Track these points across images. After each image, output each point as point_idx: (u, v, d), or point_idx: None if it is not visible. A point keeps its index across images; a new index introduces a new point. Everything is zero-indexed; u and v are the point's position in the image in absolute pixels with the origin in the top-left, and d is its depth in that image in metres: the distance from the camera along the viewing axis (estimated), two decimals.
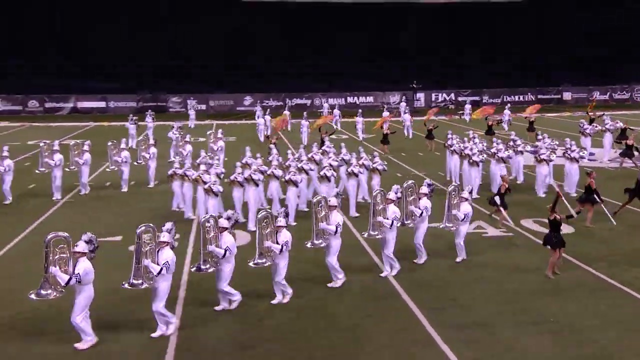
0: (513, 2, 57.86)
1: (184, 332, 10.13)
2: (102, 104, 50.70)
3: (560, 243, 12.44)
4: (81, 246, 9.32)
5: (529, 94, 55.90)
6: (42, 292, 9.33)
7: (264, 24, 54.96)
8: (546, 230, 15.67)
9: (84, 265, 9.18)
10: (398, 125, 36.60)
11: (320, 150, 20.47)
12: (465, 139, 21.87)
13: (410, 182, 13.78)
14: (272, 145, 21.65)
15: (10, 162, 19.38)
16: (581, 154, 19.72)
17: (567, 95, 56.29)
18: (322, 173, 17.60)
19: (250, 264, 10.92)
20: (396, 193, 12.79)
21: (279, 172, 17.05)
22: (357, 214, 17.41)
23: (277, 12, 55.27)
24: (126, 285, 9.74)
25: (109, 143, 21.89)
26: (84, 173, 20.57)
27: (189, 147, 22.11)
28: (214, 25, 54.36)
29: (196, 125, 40.43)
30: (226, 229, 10.71)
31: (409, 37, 57.05)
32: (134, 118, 33.99)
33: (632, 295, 11.67)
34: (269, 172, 17.03)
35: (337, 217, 11.96)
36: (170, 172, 17.60)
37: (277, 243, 10.86)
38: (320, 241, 11.87)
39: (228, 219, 10.88)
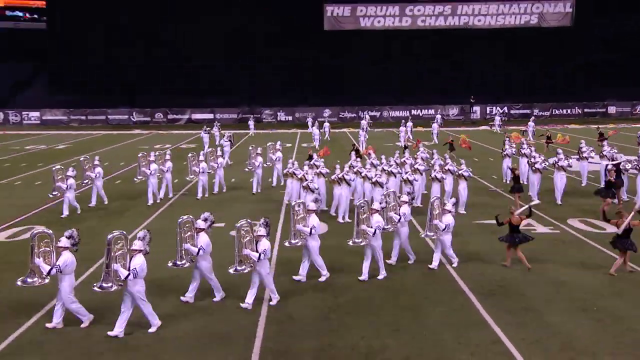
0: (562, 27, 54.90)
1: (272, 306, 10.22)
2: (210, 116, 52.24)
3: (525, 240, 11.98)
4: (63, 241, 9.11)
5: (576, 107, 52.92)
6: (28, 280, 9.28)
7: (346, 50, 54.88)
8: (592, 230, 14.98)
9: (65, 258, 9.02)
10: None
11: (415, 155, 19.50)
12: (532, 148, 20.81)
13: (390, 190, 13.13)
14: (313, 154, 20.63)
15: (101, 170, 18.59)
16: None
17: (611, 109, 52.95)
18: (405, 177, 16.65)
19: (230, 270, 10.03)
20: (380, 203, 12.00)
21: (371, 174, 16.69)
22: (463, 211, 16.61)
23: (352, 38, 55.07)
24: (96, 288, 9.12)
25: (190, 155, 20.62)
26: (167, 180, 19.45)
27: (259, 159, 20.45)
28: (299, 52, 54.61)
29: (255, 134, 40.44)
30: (203, 229, 10.18)
31: (463, 57, 55.22)
32: (207, 128, 33.26)
33: None
34: (363, 174, 16.83)
35: (313, 220, 11.11)
36: (286, 171, 17.99)
37: (257, 251, 9.83)
38: (297, 241, 11.19)
39: (205, 220, 10.32)
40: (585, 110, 52.55)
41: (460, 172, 16.98)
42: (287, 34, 53.77)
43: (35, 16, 67.37)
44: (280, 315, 9.83)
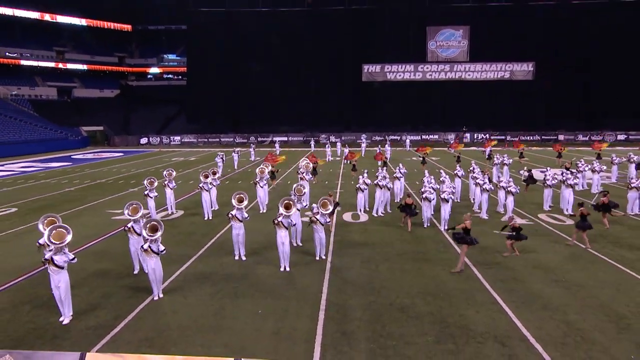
0: (526, 80, 52.07)
1: (333, 273, 9.86)
2: (285, 138, 52.50)
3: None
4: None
5: (536, 135, 50.07)
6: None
7: (377, 94, 53.90)
8: (556, 222, 13.78)
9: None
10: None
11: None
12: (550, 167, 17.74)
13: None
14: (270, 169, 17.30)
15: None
16: None
17: (561, 137, 50.17)
18: (442, 195, 13.16)
19: None
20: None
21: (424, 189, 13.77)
22: (486, 216, 14.25)
23: (381, 87, 53.84)
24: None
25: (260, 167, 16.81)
26: (212, 192, 15.32)
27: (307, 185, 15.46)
28: (345, 97, 53.99)
29: (257, 152, 38.75)
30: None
31: (457, 100, 52.94)
32: (238, 150, 28.70)
33: (618, 267, 9.82)
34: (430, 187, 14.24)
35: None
36: (376, 182, 14.92)
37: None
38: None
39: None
40: (543, 137, 49.84)
41: (509, 188, 14.25)
42: (337, 85, 53.71)
43: (179, 77, 71.04)
44: (337, 280, 9.51)
